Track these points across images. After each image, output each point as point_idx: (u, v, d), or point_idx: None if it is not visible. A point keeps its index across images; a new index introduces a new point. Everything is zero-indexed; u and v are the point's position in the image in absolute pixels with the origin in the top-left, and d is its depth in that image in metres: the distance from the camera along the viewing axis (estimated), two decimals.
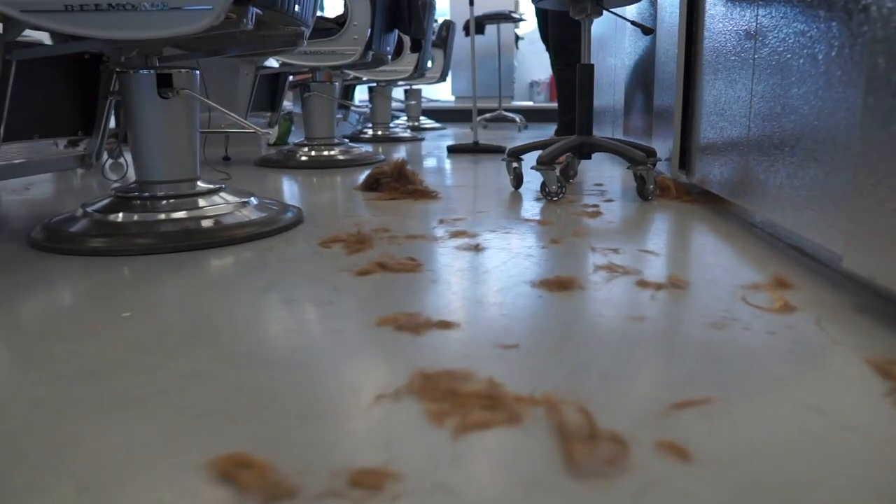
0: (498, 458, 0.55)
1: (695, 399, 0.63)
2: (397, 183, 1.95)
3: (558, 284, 1.00)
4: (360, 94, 5.26)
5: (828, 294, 0.95)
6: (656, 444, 0.56)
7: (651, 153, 1.81)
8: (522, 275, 1.08)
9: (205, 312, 0.92)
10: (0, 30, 1.24)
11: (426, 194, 1.89)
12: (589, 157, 1.97)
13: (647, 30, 1.81)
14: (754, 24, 1.28)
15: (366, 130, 4.40)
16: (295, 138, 3.49)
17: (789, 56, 1.12)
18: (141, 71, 1.38)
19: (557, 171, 1.80)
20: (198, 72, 1.46)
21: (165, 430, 0.60)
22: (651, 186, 1.76)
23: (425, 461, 0.54)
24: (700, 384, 0.67)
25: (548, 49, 2.78)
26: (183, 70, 1.41)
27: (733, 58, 1.41)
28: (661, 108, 2.00)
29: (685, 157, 1.83)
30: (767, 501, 0.48)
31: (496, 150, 2.77)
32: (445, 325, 0.84)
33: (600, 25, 3.29)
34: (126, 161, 2.57)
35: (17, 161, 1.55)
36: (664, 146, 1.93)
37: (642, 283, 1.01)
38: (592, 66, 1.88)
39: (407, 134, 4.36)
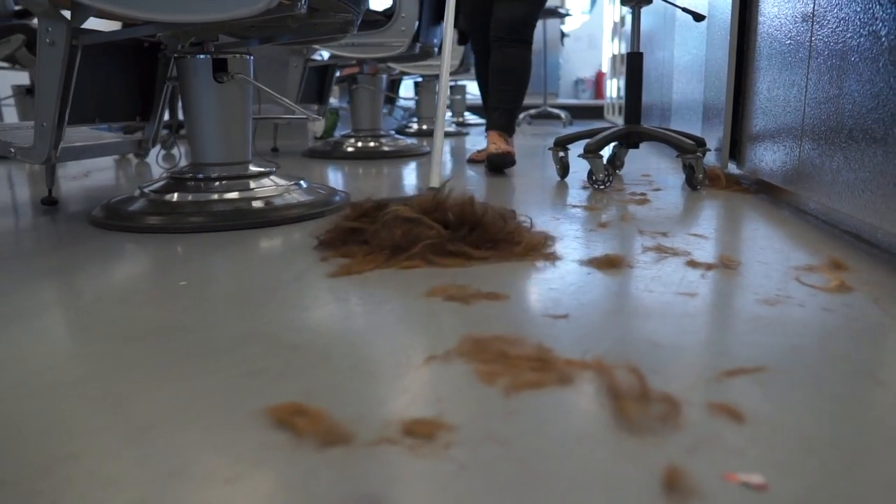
0: (549, 413, 0.55)
1: (747, 367, 0.63)
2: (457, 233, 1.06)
3: (607, 263, 1.00)
4: (406, 91, 5.28)
5: (885, 276, 0.92)
6: (709, 405, 0.55)
7: (701, 142, 1.79)
8: (570, 254, 1.07)
9: (257, 283, 0.95)
10: (68, 16, 1.29)
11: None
12: (636, 147, 1.95)
13: (699, 16, 1.78)
14: (811, 4, 1.26)
15: (411, 125, 4.43)
16: (341, 132, 3.53)
17: (849, 36, 1.09)
18: (198, 56, 1.43)
19: (605, 160, 1.78)
20: (251, 57, 1.50)
21: (221, 382, 0.62)
22: (700, 176, 1.74)
23: (477, 415, 0.55)
24: (753, 354, 0.66)
25: (471, 45, 2.53)
26: (237, 55, 1.45)
27: (788, 41, 1.38)
28: (711, 98, 1.97)
29: (736, 147, 1.80)
30: (823, 461, 0.47)
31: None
32: (494, 296, 0.85)
33: (649, 18, 3.25)
34: (179, 151, 2.65)
35: (78, 144, 1.61)
36: (714, 137, 1.90)
37: (692, 263, 1.00)
38: (641, 54, 1.86)
39: (451, 129, 4.37)
